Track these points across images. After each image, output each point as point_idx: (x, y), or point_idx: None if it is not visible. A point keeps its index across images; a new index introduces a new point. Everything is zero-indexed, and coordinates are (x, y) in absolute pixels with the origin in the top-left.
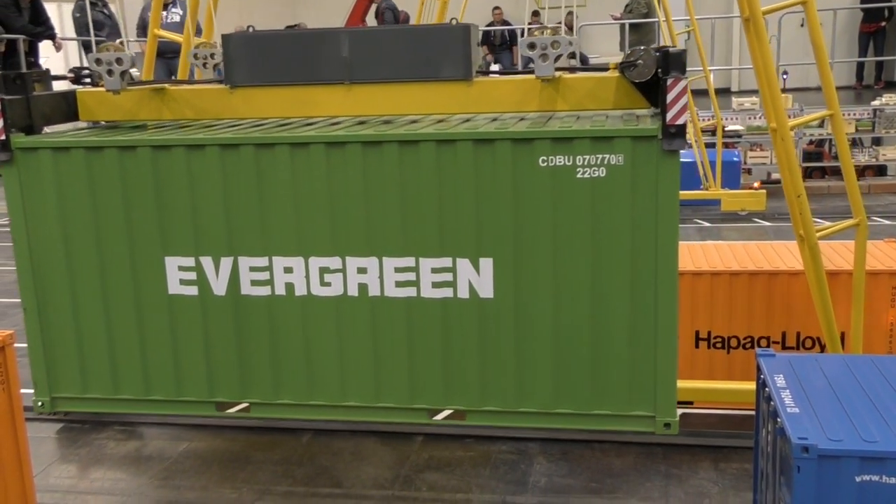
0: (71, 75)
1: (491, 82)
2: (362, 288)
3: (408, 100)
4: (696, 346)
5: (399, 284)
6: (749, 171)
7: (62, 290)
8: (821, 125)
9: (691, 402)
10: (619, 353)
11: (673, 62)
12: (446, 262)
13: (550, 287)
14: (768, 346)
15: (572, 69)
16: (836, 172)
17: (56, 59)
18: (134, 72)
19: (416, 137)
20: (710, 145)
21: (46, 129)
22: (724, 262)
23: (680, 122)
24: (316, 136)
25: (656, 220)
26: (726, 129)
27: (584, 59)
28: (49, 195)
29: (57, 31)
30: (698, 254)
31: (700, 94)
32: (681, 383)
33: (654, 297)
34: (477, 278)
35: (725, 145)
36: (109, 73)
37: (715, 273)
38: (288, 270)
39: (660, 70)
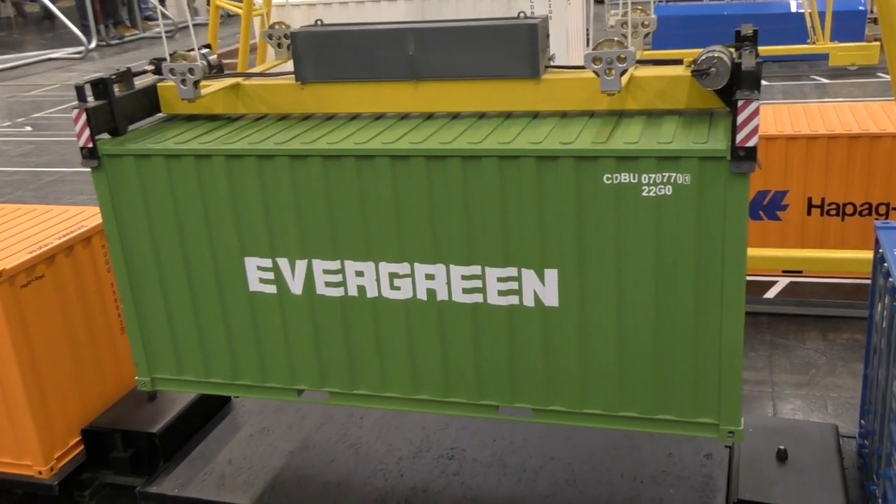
0: (151, 67)
1: (559, 81)
2: (430, 293)
3: (474, 98)
4: (808, 214)
5: (466, 291)
6: (875, 21)
7: (153, 283)
8: None
9: (800, 271)
10: (683, 363)
11: (746, 79)
12: (511, 271)
13: (614, 298)
14: (887, 213)
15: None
16: None
17: None
18: (213, 58)
19: (479, 153)
20: None
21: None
22: (842, 124)
23: (750, 144)
24: (381, 149)
25: (723, 240)
26: None
27: None
28: (135, 197)
29: None
30: (814, 115)
31: None
32: (790, 252)
33: (719, 314)
34: (542, 288)
35: None
36: (183, 82)
37: (832, 136)
38: (359, 274)
39: (733, 82)
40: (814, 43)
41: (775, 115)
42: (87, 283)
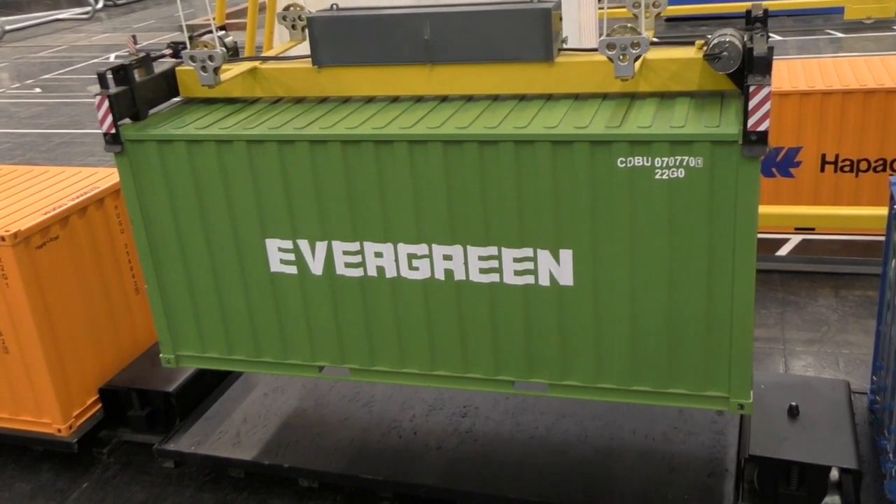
0: (169, 52)
1: (572, 64)
2: (448, 273)
3: (489, 81)
4: (822, 171)
5: (483, 271)
6: None
7: (177, 264)
8: None
9: (813, 229)
10: (694, 339)
11: (758, 64)
12: (527, 252)
13: (628, 278)
14: None
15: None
16: None
17: None
18: (230, 40)
19: (496, 138)
20: None
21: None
22: (858, 79)
23: (761, 128)
24: (399, 134)
25: (734, 221)
26: None
27: None
28: (158, 181)
29: None
30: (829, 70)
31: None
32: (802, 209)
33: (730, 292)
34: (557, 268)
35: None
36: (203, 69)
37: (847, 91)
38: (378, 255)
39: (744, 66)
40: None
41: (789, 71)
42: (101, 243)
